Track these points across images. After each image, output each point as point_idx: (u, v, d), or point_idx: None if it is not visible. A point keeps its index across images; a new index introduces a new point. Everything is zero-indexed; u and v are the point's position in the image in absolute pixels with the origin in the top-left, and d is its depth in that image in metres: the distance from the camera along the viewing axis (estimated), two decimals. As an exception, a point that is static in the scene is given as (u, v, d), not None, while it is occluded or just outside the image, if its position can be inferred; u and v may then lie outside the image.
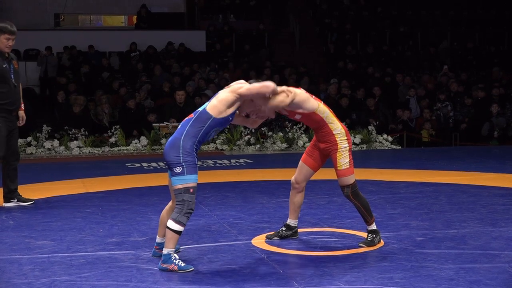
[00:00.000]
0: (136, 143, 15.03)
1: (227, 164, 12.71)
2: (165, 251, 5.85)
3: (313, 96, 6.42)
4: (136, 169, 12.27)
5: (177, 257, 5.87)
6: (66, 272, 5.82)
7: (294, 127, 15.25)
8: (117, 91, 17.94)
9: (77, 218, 8.04)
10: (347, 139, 6.45)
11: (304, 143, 15.02)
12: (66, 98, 16.85)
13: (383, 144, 15.37)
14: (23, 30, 21.32)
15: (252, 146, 15.10)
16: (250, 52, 21.94)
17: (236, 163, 12.80)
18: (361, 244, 6.47)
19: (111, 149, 14.92)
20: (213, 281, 5.54)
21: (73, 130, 14.93)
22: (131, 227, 7.54)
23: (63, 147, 14.79)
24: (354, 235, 6.99)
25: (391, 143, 15.53)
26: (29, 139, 14.80)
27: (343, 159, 6.42)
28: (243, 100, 6.02)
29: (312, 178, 10.67)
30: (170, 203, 6.25)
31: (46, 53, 19.95)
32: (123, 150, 14.92)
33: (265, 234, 7.09)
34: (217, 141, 15.03)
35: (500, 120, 16.52)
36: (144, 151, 14.90)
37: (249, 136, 15.09)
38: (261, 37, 23.11)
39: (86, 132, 14.99)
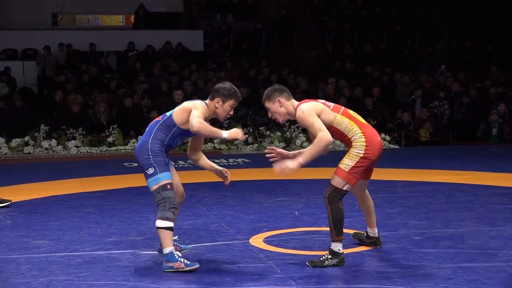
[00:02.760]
0: (133, 143, 15.02)
1: (225, 163, 12.70)
2: (165, 250, 5.85)
3: (331, 106, 6.12)
4: (134, 169, 12.25)
5: (180, 254, 5.88)
6: (64, 272, 5.82)
7: (292, 126, 15.24)
8: (114, 90, 17.91)
9: (75, 218, 8.03)
10: (365, 146, 5.99)
11: (302, 143, 15.01)
12: (64, 97, 16.81)
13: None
14: (20, 30, 21.40)
15: (250, 145, 15.10)
16: (248, 52, 21.92)
17: (234, 163, 12.80)
18: (308, 263, 5.89)
19: (109, 149, 14.90)
20: (211, 281, 5.54)
21: (70, 129, 14.90)
22: (129, 227, 7.54)
23: (61, 146, 14.77)
24: (351, 234, 6.98)
25: (389, 142, 15.53)
26: (26, 138, 14.78)
27: (348, 160, 5.98)
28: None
29: (309, 177, 10.70)
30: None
31: (44, 52, 19.93)
32: (120, 149, 14.90)
33: (263, 234, 7.09)
34: (215, 141, 15.02)
35: (496, 112, 16.50)
36: (142, 150, 14.87)
37: (247, 136, 15.09)
38: (259, 37, 23.09)
39: (84, 132, 14.97)
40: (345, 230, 7.05)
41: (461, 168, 11.61)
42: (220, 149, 14.87)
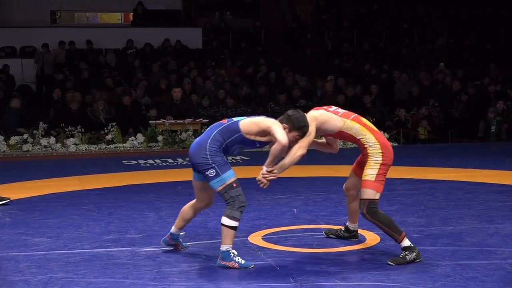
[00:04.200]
0: (132, 140, 15.02)
1: (224, 161, 12.69)
2: (223, 247, 5.84)
3: (340, 113, 6.17)
4: (133, 166, 12.27)
5: (236, 253, 5.87)
6: (62, 269, 5.82)
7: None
8: (113, 88, 17.92)
9: (73, 215, 8.04)
10: (382, 153, 6.06)
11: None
12: (62, 95, 16.81)
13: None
14: (19, 28, 21.38)
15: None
16: (246, 49, 21.93)
17: (233, 160, 12.79)
18: (389, 262, 5.90)
19: (108, 146, 14.89)
20: (210, 278, 5.55)
21: (69, 127, 14.90)
22: (127, 224, 7.54)
23: (60, 144, 14.76)
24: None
25: (388, 140, 15.53)
26: (25, 136, 14.77)
27: (370, 170, 6.03)
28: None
29: (308, 175, 10.71)
30: (193, 201, 6.28)
31: (42, 50, 19.93)
32: (119, 147, 14.90)
33: (261, 231, 7.10)
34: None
35: (494, 110, 16.50)
36: (140, 148, 14.88)
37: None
38: (258, 34, 23.09)
39: (83, 130, 14.96)
40: (337, 227, 7.08)
41: (459, 165, 11.62)
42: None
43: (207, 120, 15.57)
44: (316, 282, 5.39)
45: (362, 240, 6.71)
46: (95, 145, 14.90)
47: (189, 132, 15.00)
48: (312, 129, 6.06)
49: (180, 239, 6.44)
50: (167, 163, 12.51)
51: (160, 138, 14.96)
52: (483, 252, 6.19)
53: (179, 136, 14.92)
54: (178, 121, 15.27)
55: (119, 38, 21.36)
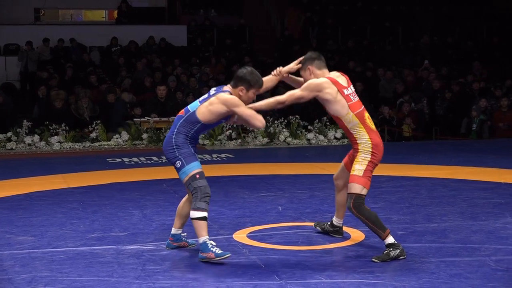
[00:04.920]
0: (117, 138, 14.98)
1: (209, 159, 12.69)
2: (200, 240, 5.92)
3: (353, 101, 6.15)
4: (117, 164, 12.24)
5: (214, 243, 5.90)
6: (47, 268, 5.80)
7: (276, 122, 15.24)
8: (97, 86, 17.87)
9: (57, 214, 8.01)
10: (371, 152, 6.09)
11: (285, 138, 15.02)
12: (47, 93, 16.75)
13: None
14: (2, 25, 21.27)
15: (233, 141, 15.09)
16: (231, 47, 21.92)
17: (217, 158, 12.79)
18: (373, 259, 5.92)
19: (92, 144, 14.86)
20: (195, 276, 5.55)
21: (53, 125, 14.84)
22: (112, 222, 7.52)
23: (44, 142, 14.71)
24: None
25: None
26: (9, 134, 14.71)
27: (359, 165, 6.07)
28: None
29: (293, 172, 10.72)
30: (186, 196, 6.30)
31: (26, 47, 19.84)
32: (104, 145, 14.87)
33: (246, 229, 7.10)
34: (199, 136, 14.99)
35: (477, 108, 16.55)
36: (125, 146, 14.85)
37: (230, 131, 15.08)
38: (242, 32, 23.09)
39: (67, 127, 14.91)
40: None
41: (443, 163, 11.66)
42: (203, 144, 14.86)
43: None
44: (301, 280, 5.40)
45: (347, 237, 6.73)
46: (80, 143, 14.85)
47: (174, 130, 14.96)
48: (305, 95, 6.12)
49: (184, 238, 6.44)
50: (152, 161, 12.49)
51: (144, 136, 14.93)
52: (467, 249, 6.22)
53: (164, 134, 14.90)
54: (163, 119, 15.25)
55: (103, 36, 21.31)
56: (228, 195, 9.05)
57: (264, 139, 14.97)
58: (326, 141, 15.12)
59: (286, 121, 15.24)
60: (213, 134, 15.00)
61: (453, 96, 17.56)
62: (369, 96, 17.86)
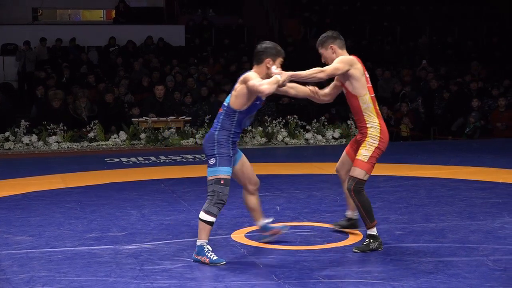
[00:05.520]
0: (115, 138, 14.97)
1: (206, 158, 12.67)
2: (198, 242, 5.91)
3: (369, 84, 6.32)
4: (115, 164, 12.23)
5: (210, 249, 5.91)
6: (44, 268, 5.80)
7: (274, 122, 15.24)
8: (95, 85, 17.86)
9: (56, 214, 8.00)
10: (379, 137, 6.23)
11: (283, 138, 15.01)
12: (45, 93, 16.73)
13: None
14: (0, 25, 21.25)
15: (232, 140, 15.06)
16: (229, 47, 21.92)
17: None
18: (354, 250, 6.17)
19: (90, 144, 14.84)
20: (193, 276, 5.54)
21: (51, 125, 14.83)
22: (110, 222, 7.52)
23: (42, 142, 14.70)
24: (333, 229, 7.00)
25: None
26: (7, 134, 14.69)
27: (365, 151, 6.22)
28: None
29: (291, 172, 10.72)
30: (244, 190, 6.39)
31: (24, 47, 19.83)
32: (102, 145, 14.85)
33: (244, 229, 7.10)
34: (196, 136, 14.99)
35: (476, 115, 16.54)
36: (123, 146, 14.84)
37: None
38: (241, 32, 23.08)
39: (65, 127, 14.90)
40: (320, 224, 7.10)
41: (441, 162, 11.66)
42: (201, 144, 14.82)
43: (190, 118, 15.55)
44: (299, 280, 5.40)
45: (344, 237, 6.73)
46: (78, 143, 14.84)
47: (172, 129, 14.97)
48: (341, 67, 6.20)
49: (272, 225, 6.47)
50: (150, 161, 12.49)
51: (142, 135, 14.92)
52: (465, 249, 6.22)
53: (162, 134, 14.89)
54: (161, 118, 15.25)
55: (101, 36, 21.29)
56: (226, 195, 9.03)
57: (262, 139, 14.97)
58: (324, 141, 15.11)
59: (284, 121, 15.23)
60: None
61: (451, 96, 17.56)
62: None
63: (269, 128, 15.16)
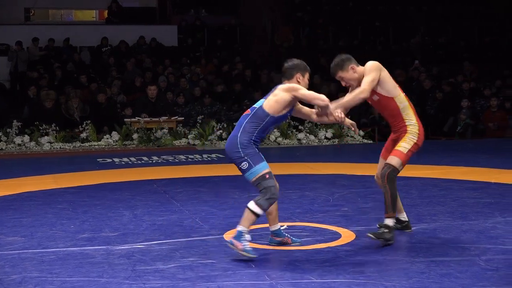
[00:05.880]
0: (107, 138, 14.96)
1: (199, 159, 12.69)
2: (239, 227, 5.97)
3: (398, 86, 6.44)
4: (108, 165, 12.22)
5: (248, 238, 5.96)
6: (37, 269, 5.78)
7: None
8: (87, 85, 17.84)
9: (48, 214, 7.99)
10: (418, 134, 6.41)
11: (276, 138, 15.01)
12: (37, 93, 16.70)
13: (355, 138, 15.42)
14: (-8, 25, 21.21)
15: (224, 141, 15.07)
16: (222, 47, 21.91)
17: (208, 158, 12.78)
18: (369, 234, 6.28)
19: (82, 145, 14.83)
20: (185, 276, 5.53)
21: (43, 125, 14.81)
22: (102, 223, 7.51)
23: (34, 142, 14.68)
24: (326, 229, 7.01)
25: (363, 137, 15.59)
26: (-1, 134, 14.68)
27: (405, 143, 6.37)
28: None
29: (283, 172, 10.72)
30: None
31: (16, 47, 19.80)
32: (94, 145, 14.84)
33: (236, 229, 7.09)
34: (189, 136, 14.99)
35: (467, 112, 16.58)
36: (115, 146, 14.83)
37: (221, 131, 15.07)
38: (233, 32, 23.08)
39: (57, 128, 14.88)
40: (312, 224, 7.10)
41: (433, 162, 11.68)
42: (194, 145, 14.85)
43: (182, 118, 15.55)
44: (292, 280, 5.40)
45: (337, 237, 6.73)
46: (70, 143, 14.83)
47: (164, 130, 14.96)
48: (375, 76, 6.31)
49: (286, 234, 6.48)
50: (142, 161, 12.48)
51: (135, 136, 14.91)
52: (457, 249, 6.23)
53: (154, 134, 14.88)
54: (154, 119, 15.24)
55: (93, 36, 21.27)
56: (219, 195, 9.05)
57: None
58: (317, 141, 15.13)
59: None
60: (203, 134, 14.99)
61: (444, 96, 17.59)
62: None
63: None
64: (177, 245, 6.52)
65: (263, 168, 5.98)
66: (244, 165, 5.97)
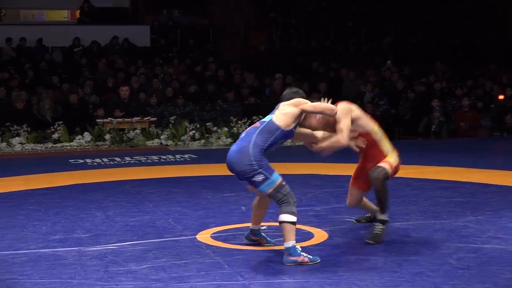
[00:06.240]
0: (79, 139, 14.87)
1: (172, 159, 12.66)
2: (289, 244, 5.83)
3: (368, 116, 6.46)
4: (80, 165, 12.16)
5: (300, 248, 5.89)
6: (8, 270, 5.74)
7: (239, 122, 15.23)
8: (59, 86, 17.72)
9: (19, 216, 7.93)
10: (398, 161, 6.51)
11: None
12: (8, 93, 16.55)
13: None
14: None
15: (197, 141, 15.05)
16: (194, 48, 21.88)
17: (181, 159, 12.76)
18: (369, 241, 6.39)
19: (54, 145, 14.73)
20: (158, 277, 5.52)
21: (15, 126, 14.70)
22: (74, 224, 7.47)
23: (5, 143, 14.55)
24: (299, 229, 7.00)
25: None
26: (-30, 135, 14.55)
27: (393, 159, 6.49)
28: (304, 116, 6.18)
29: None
30: (258, 198, 6.37)
31: (-14, 48, 19.65)
32: (66, 146, 14.75)
33: (210, 229, 7.09)
34: (162, 137, 14.95)
35: (440, 110, 16.70)
36: (88, 147, 14.75)
37: (194, 132, 15.04)
38: (206, 32, 23.06)
39: (29, 128, 14.77)
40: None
41: (406, 162, 11.64)
42: (166, 145, 14.81)
43: (155, 119, 15.50)
44: (265, 280, 5.40)
45: (310, 237, 6.75)
46: (42, 144, 14.72)
47: (137, 130, 14.91)
48: (348, 120, 6.24)
49: (263, 234, 6.49)
50: (115, 162, 12.43)
51: (107, 136, 14.84)
52: (429, 248, 6.27)
53: (127, 134, 14.83)
54: (126, 119, 15.18)
55: (65, 36, 21.13)
56: (191, 195, 9.04)
57: (228, 139, 14.96)
58: (289, 141, 15.13)
59: (249, 121, 15.24)
60: (176, 135, 14.96)
61: (417, 96, 17.69)
62: (333, 96, 17.92)
63: (235, 128, 15.16)
64: (150, 246, 6.50)
65: (278, 177, 5.90)
66: (260, 177, 5.86)
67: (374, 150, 6.50)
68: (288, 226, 5.80)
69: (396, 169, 6.50)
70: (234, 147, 6.03)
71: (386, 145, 6.52)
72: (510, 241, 6.49)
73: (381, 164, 6.43)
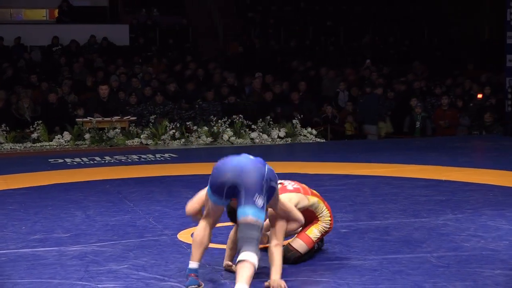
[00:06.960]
0: (59, 139, 14.80)
1: (152, 158, 12.63)
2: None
3: (301, 189, 5.98)
4: (60, 165, 12.10)
5: None
6: (-13, 271, 5.71)
7: (219, 121, 15.22)
8: (38, 85, 17.63)
9: (-2, 216, 7.89)
10: (330, 221, 6.02)
11: (229, 137, 15.01)
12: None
13: (308, 137, 15.47)
14: None
15: (177, 140, 15.02)
16: (173, 47, 21.86)
17: (161, 158, 12.73)
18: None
19: (34, 145, 14.65)
20: (138, 276, 5.51)
21: (-7, 125, 14.61)
22: (54, 224, 7.44)
23: (-16, 143, 14.47)
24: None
25: (315, 136, 15.65)
26: None
27: (316, 230, 5.96)
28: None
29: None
30: (204, 224, 5.63)
31: (-36, 47, 19.52)
32: (45, 145, 14.67)
33: (191, 229, 7.08)
34: (141, 136, 14.91)
35: (421, 105, 16.78)
36: (67, 146, 14.68)
37: (174, 131, 15.01)
38: (185, 32, 23.04)
39: (7, 128, 14.69)
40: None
41: (386, 161, 11.78)
42: (146, 144, 14.77)
43: (135, 118, 15.46)
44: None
45: (289, 237, 6.74)
46: (21, 143, 14.64)
47: (117, 129, 14.86)
48: (296, 209, 5.75)
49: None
50: (95, 161, 12.38)
51: (87, 136, 14.78)
52: (409, 246, 6.30)
53: (107, 134, 14.78)
54: (106, 118, 15.13)
55: (44, 35, 21.04)
56: (172, 194, 9.02)
57: (208, 138, 14.94)
58: (270, 140, 15.15)
59: (229, 120, 15.24)
60: (156, 134, 14.92)
61: (397, 95, 17.76)
62: (312, 95, 17.98)
63: (215, 127, 15.15)
64: (130, 245, 6.49)
65: (263, 219, 5.15)
66: (260, 203, 5.06)
67: (311, 217, 5.99)
68: (253, 268, 4.98)
69: (323, 235, 6.08)
70: (246, 156, 5.49)
71: (320, 209, 6.02)
72: (490, 239, 6.53)
73: (298, 242, 5.90)
